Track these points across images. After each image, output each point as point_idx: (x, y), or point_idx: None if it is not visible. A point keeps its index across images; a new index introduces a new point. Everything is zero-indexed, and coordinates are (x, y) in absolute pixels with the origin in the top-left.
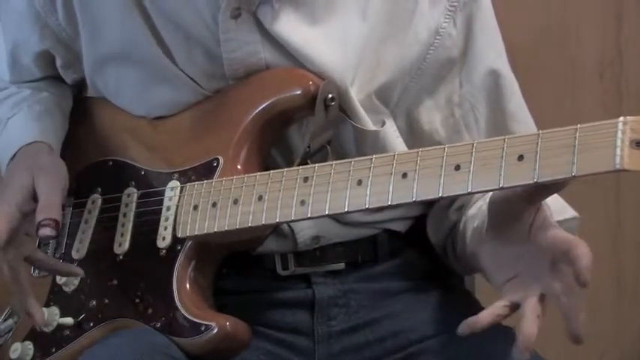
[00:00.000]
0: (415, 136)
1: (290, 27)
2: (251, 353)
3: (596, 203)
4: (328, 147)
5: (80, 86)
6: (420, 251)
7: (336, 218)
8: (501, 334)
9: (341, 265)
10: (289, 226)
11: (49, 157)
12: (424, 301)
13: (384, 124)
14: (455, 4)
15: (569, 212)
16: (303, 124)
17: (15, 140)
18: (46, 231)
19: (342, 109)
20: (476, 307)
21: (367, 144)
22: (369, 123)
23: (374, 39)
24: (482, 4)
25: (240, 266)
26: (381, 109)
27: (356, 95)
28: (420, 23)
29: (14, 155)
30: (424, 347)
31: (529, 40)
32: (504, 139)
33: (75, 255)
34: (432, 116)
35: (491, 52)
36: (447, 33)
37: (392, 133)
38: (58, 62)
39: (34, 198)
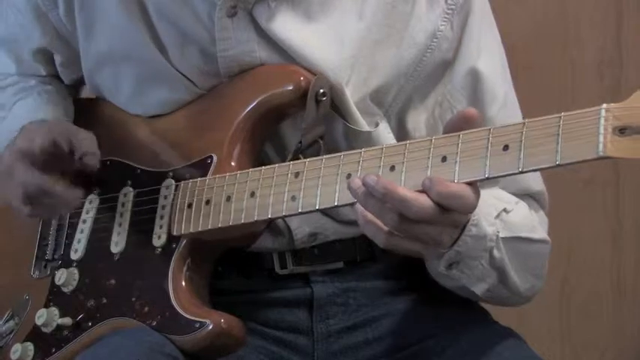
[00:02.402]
0: (402, 134)
1: (286, 26)
2: (250, 352)
3: (596, 203)
4: (321, 142)
5: (77, 87)
6: None
7: (333, 216)
8: (502, 336)
9: (339, 264)
10: (286, 223)
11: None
12: (423, 301)
13: (377, 125)
14: (452, 6)
15: (539, 233)
16: (297, 119)
17: (23, 121)
18: (92, 159)
19: (337, 108)
20: (474, 306)
21: (359, 144)
22: (362, 124)
23: (370, 39)
24: (476, 4)
25: (239, 266)
26: (374, 111)
27: (351, 96)
28: (417, 26)
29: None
30: (424, 346)
31: (529, 40)
32: (489, 130)
33: (73, 255)
34: (419, 115)
35: (474, 53)
36: (444, 36)
37: (385, 135)
38: (58, 60)
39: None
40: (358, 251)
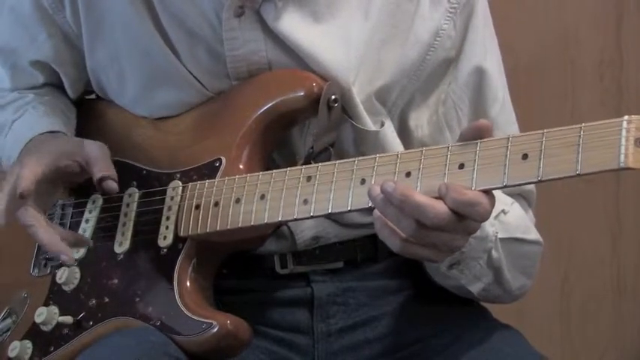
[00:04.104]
0: (404, 133)
1: (293, 25)
2: (251, 352)
3: (596, 203)
4: (331, 149)
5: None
6: None
7: (337, 219)
8: (502, 333)
9: (339, 264)
10: (288, 227)
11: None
12: (423, 300)
13: (382, 124)
14: (455, 5)
15: (533, 234)
16: (305, 126)
17: (25, 134)
18: (112, 184)
19: (344, 108)
20: (474, 305)
21: (367, 144)
22: (369, 123)
23: (376, 39)
24: (478, 3)
25: (240, 266)
26: (379, 110)
27: (357, 95)
28: (420, 25)
29: (26, 146)
30: (424, 345)
31: (529, 40)
32: (508, 138)
33: (75, 254)
34: (421, 113)
35: (480, 52)
36: (447, 35)
37: (390, 134)
38: (66, 83)
39: (73, 160)
40: (359, 251)
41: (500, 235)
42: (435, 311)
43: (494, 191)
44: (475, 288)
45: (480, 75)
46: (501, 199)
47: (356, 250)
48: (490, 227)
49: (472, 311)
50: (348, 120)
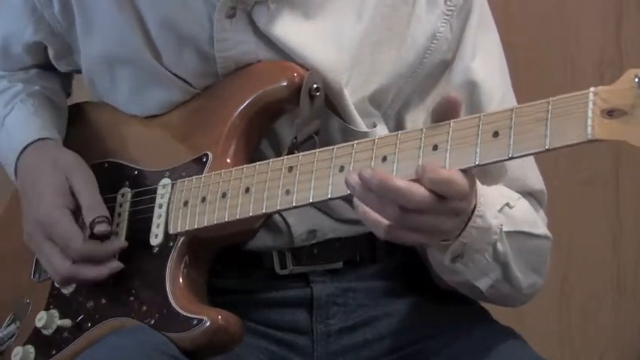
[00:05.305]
0: None
1: (284, 28)
2: (250, 352)
3: (596, 203)
4: (316, 137)
5: (71, 75)
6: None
7: (329, 213)
8: (502, 336)
9: (339, 264)
10: (285, 221)
11: (68, 154)
12: (423, 301)
13: (374, 126)
14: (452, 7)
15: (541, 229)
16: (293, 116)
17: (18, 138)
18: (102, 227)
19: (335, 108)
20: (474, 306)
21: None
22: (360, 124)
23: (369, 41)
24: (475, 5)
25: (239, 266)
26: (372, 113)
27: (349, 97)
28: (417, 28)
29: (21, 153)
30: (423, 346)
31: (529, 39)
32: (480, 117)
33: None
34: (417, 115)
35: (472, 53)
36: (444, 37)
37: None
38: (51, 53)
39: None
40: (358, 251)
41: (505, 228)
42: (434, 312)
43: (500, 187)
44: (483, 284)
45: (471, 76)
46: (506, 193)
47: (355, 249)
48: (493, 219)
49: (472, 312)
50: (338, 119)
